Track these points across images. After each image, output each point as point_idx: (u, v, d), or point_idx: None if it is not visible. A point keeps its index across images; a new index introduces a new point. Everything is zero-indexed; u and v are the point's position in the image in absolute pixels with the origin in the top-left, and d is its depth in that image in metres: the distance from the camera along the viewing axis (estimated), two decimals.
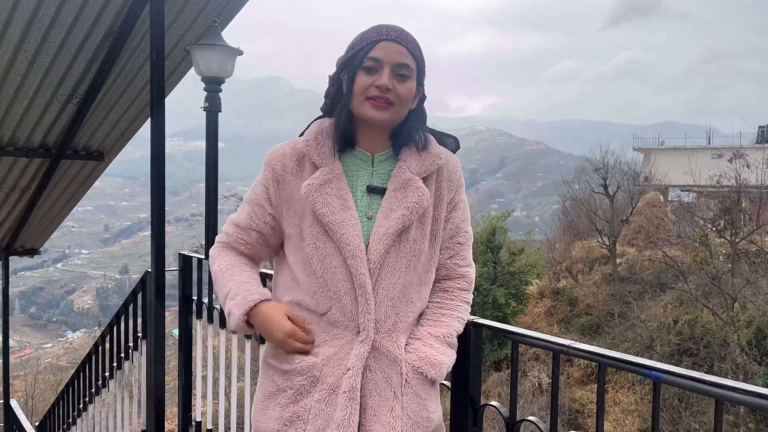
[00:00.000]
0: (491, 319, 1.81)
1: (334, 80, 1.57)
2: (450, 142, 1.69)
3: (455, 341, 1.61)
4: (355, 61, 1.50)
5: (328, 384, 1.48)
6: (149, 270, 3.42)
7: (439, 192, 1.59)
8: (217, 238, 1.72)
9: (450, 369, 1.59)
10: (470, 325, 1.75)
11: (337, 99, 1.56)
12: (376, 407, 1.48)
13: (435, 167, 1.57)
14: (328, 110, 1.60)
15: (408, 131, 1.57)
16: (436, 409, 1.59)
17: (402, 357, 1.52)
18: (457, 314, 1.63)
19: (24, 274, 72.41)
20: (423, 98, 1.60)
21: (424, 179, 1.56)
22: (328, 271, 1.49)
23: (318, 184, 1.50)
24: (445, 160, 1.60)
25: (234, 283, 1.58)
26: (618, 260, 21.11)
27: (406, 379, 1.51)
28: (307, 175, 1.53)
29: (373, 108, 1.48)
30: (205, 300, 3.19)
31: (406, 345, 1.56)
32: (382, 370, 1.50)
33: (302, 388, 1.50)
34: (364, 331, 1.48)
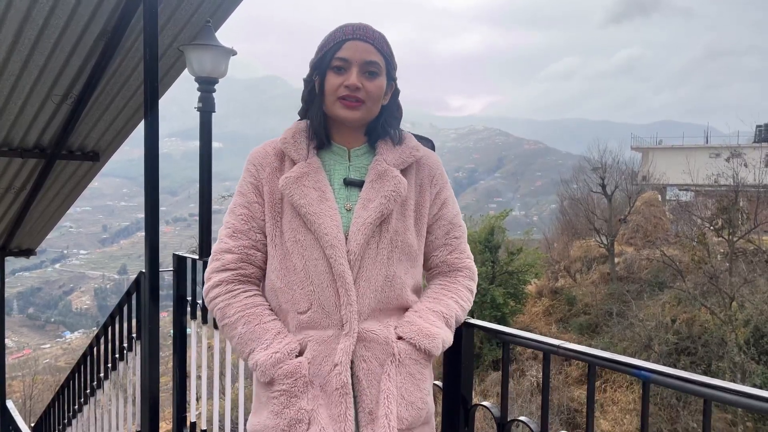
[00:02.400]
0: (489, 319, 1.81)
1: (308, 82, 1.59)
2: (426, 145, 1.70)
3: (453, 323, 1.59)
4: (324, 62, 1.52)
5: (318, 383, 1.47)
6: (143, 270, 3.42)
7: (421, 185, 1.60)
8: (208, 270, 1.58)
9: (446, 346, 1.57)
10: (462, 325, 1.74)
11: (312, 100, 1.58)
12: (375, 394, 1.47)
13: (413, 159, 1.58)
14: (303, 113, 1.62)
15: (383, 125, 1.59)
16: (431, 392, 1.58)
17: (392, 339, 1.51)
18: (459, 298, 1.62)
19: (22, 274, 72.34)
20: (396, 93, 1.61)
21: (403, 171, 1.57)
22: (310, 263, 1.49)
23: (295, 177, 1.51)
24: (423, 153, 1.62)
25: (263, 340, 1.50)
26: (616, 259, 21.13)
27: (399, 360, 1.50)
28: (286, 171, 1.55)
29: (345, 108, 1.51)
30: (200, 301, 3.19)
31: (401, 318, 1.55)
32: (376, 357, 1.49)
33: (293, 391, 1.46)
34: (348, 323, 1.47)
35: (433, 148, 1.72)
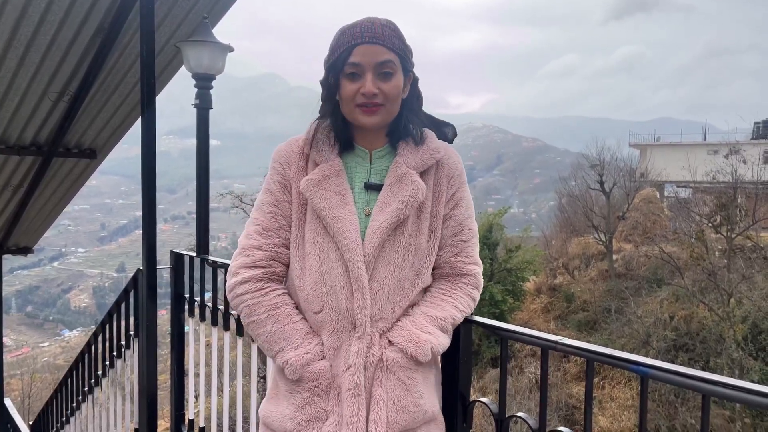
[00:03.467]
0: (488, 316, 1.80)
1: (325, 84, 1.57)
2: (447, 130, 1.69)
3: (449, 327, 1.58)
4: (337, 67, 1.51)
5: (335, 384, 1.50)
6: (141, 268, 3.41)
7: (438, 187, 1.59)
8: (235, 265, 1.56)
9: (438, 352, 1.56)
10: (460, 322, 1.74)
11: (331, 101, 1.57)
12: (367, 397, 1.49)
13: (433, 161, 1.57)
14: (323, 113, 1.61)
15: (405, 125, 1.58)
16: (427, 396, 1.57)
17: (384, 345, 1.52)
18: (457, 303, 1.61)
19: (20, 272, 72.25)
20: (416, 81, 1.60)
21: (422, 173, 1.56)
22: (325, 265, 1.50)
23: (317, 179, 1.52)
24: (444, 155, 1.60)
25: (291, 339, 1.52)
26: (614, 256, 21.16)
27: (387, 366, 1.50)
28: (309, 172, 1.55)
29: (364, 114, 1.50)
30: (197, 298, 3.19)
31: (396, 322, 1.55)
32: (373, 365, 1.51)
33: (317, 390, 1.50)
34: (361, 326, 1.48)
35: (454, 133, 1.70)
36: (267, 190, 1.59)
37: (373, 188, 1.55)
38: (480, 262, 1.70)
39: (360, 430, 1.45)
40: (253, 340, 2.64)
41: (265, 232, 1.56)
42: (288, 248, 1.57)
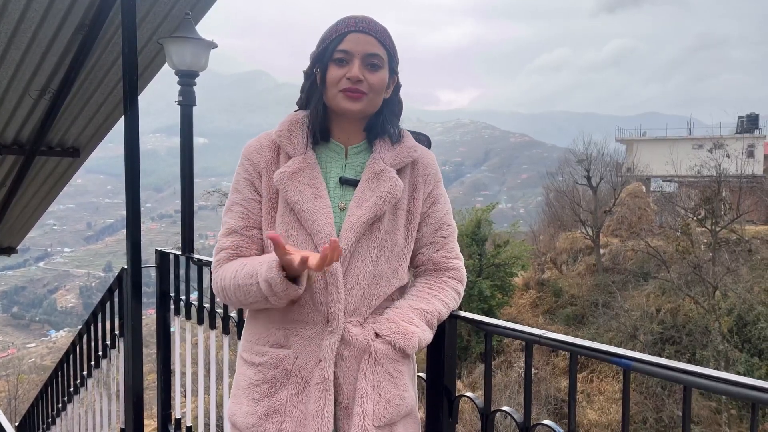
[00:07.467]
0: (477, 312, 1.81)
1: (308, 75, 1.57)
2: (422, 140, 1.69)
3: (434, 321, 1.58)
4: (326, 54, 1.50)
5: (301, 377, 1.49)
6: (125, 267, 3.38)
7: (414, 185, 1.59)
8: (213, 262, 1.59)
9: (423, 345, 1.57)
10: None
11: (312, 92, 1.56)
12: (352, 391, 1.49)
13: (410, 159, 1.57)
14: (303, 104, 1.60)
15: (382, 123, 1.57)
16: (410, 389, 1.58)
17: (370, 337, 1.51)
18: (443, 297, 1.61)
19: (5, 273, 71.52)
20: (398, 87, 1.60)
21: (399, 171, 1.56)
22: None
23: (290, 172, 1.50)
24: (420, 153, 1.60)
25: (256, 262, 1.45)
26: (602, 251, 21.32)
27: (375, 359, 1.50)
28: (281, 165, 1.53)
29: (347, 99, 1.49)
30: (183, 297, 3.17)
31: (380, 314, 1.55)
32: (354, 356, 1.50)
33: (275, 381, 1.50)
34: (334, 320, 1.47)
35: (429, 143, 1.71)
36: (234, 189, 1.58)
37: (349, 183, 1.54)
38: (461, 256, 1.71)
39: (325, 425, 1.45)
40: (240, 339, 2.64)
41: (230, 234, 1.55)
42: (255, 243, 1.56)
